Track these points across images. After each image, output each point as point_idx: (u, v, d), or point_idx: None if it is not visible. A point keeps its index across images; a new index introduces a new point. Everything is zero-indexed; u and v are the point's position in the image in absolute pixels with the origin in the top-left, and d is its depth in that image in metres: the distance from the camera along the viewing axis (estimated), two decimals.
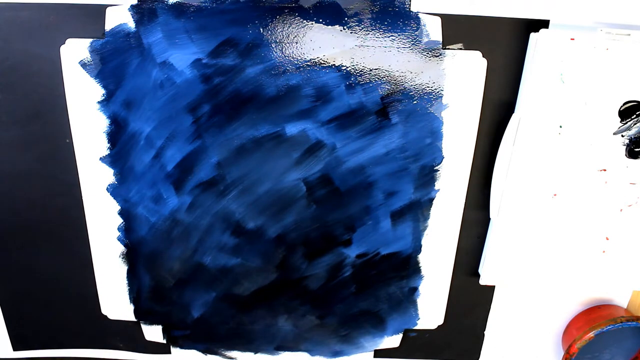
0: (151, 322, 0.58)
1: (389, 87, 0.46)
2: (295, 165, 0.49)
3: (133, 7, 0.44)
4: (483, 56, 0.45)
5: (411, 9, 0.44)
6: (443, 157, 0.49)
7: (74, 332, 0.59)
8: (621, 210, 0.49)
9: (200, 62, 0.45)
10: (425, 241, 0.53)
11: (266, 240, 0.52)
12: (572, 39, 0.42)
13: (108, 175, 0.50)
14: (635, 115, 0.45)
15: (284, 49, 0.45)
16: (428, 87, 0.46)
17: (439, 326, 0.59)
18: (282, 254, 0.53)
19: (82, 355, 0.61)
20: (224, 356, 0.61)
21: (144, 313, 0.58)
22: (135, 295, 0.56)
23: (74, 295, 0.57)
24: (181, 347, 0.60)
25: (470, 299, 0.57)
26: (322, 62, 0.45)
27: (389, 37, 0.44)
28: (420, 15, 0.44)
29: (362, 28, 0.44)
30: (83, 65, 0.46)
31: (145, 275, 0.55)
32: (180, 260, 0.54)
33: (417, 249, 0.53)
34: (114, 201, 0.51)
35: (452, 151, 0.49)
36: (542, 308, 0.58)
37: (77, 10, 0.44)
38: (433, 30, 0.44)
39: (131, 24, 0.44)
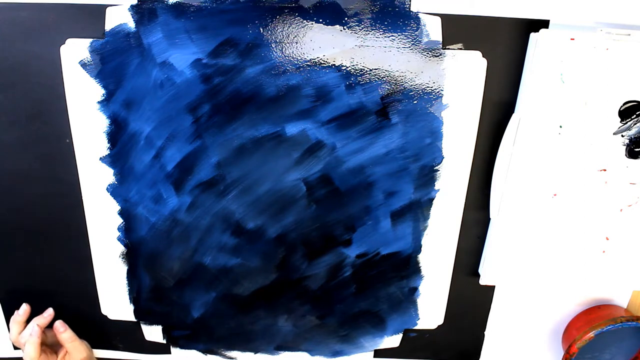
0: (151, 322, 0.58)
1: (389, 87, 0.46)
2: (295, 165, 0.49)
3: (133, 7, 0.44)
4: (483, 56, 0.45)
5: (411, 9, 0.44)
6: (443, 157, 0.49)
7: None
8: (621, 210, 0.49)
9: (200, 62, 0.45)
10: (425, 241, 0.53)
11: (266, 240, 0.52)
12: (572, 39, 0.42)
13: (108, 175, 0.50)
14: (635, 115, 0.45)
15: (284, 49, 0.45)
16: (428, 87, 0.46)
17: (439, 326, 0.59)
18: (282, 254, 0.53)
19: None
20: (224, 356, 0.61)
21: (144, 313, 0.58)
22: (135, 296, 0.56)
23: (74, 295, 0.57)
24: (181, 347, 0.60)
25: (470, 299, 0.57)
26: (322, 62, 0.45)
27: (389, 37, 0.44)
28: (420, 15, 0.44)
29: (362, 28, 0.44)
30: (83, 65, 0.46)
31: (145, 275, 0.55)
32: (180, 260, 0.54)
33: (417, 249, 0.53)
34: (114, 201, 0.51)
35: (452, 151, 0.49)
36: (542, 308, 0.58)
37: (77, 10, 0.44)
38: (433, 30, 0.44)
39: (131, 24, 0.44)
